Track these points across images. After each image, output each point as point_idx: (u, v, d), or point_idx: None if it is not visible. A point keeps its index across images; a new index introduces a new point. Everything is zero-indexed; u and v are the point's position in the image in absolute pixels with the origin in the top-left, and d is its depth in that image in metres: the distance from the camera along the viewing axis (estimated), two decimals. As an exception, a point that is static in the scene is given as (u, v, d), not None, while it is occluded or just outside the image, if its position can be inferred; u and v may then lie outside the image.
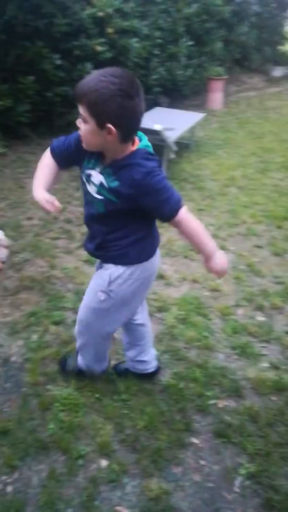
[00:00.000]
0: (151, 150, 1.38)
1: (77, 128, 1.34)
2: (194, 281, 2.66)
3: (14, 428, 1.67)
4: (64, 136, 1.48)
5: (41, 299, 2.41)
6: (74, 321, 2.22)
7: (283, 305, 2.47)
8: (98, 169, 1.37)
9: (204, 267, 1.51)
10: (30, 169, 4.22)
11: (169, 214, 1.37)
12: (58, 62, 4.55)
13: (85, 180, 1.43)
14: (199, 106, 7.13)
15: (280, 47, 10.35)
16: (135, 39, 5.18)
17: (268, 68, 9.99)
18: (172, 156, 4.21)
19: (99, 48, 4.66)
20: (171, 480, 1.56)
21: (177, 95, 7.17)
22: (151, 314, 2.34)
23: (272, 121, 6.58)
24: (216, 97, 7.13)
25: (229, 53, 8.28)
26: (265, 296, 2.53)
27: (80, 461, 1.59)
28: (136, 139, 1.38)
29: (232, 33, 8.00)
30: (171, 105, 6.63)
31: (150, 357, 1.89)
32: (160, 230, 1.60)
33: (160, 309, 2.38)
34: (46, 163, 1.49)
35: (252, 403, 1.84)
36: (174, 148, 4.11)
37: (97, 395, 1.83)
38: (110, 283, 1.51)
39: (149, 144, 1.40)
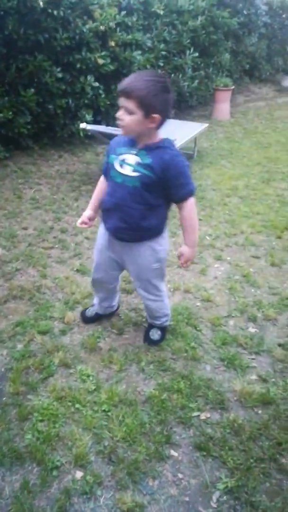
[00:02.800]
0: None
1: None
2: (187, 291, 2.63)
3: (-10, 438, 1.67)
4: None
5: (29, 309, 2.41)
6: (61, 331, 2.25)
7: (277, 316, 2.42)
8: (133, 152, 1.66)
9: (178, 250, 1.87)
10: (29, 180, 4.29)
11: (182, 196, 1.69)
12: (59, 75, 4.62)
13: (118, 165, 1.70)
14: (205, 117, 7.15)
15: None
16: (138, 52, 5.24)
17: (279, 78, 9.98)
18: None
19: (101, 61, 4.72)
20: (147, 493, 1.52)
21: (183, 106, 7.20)
22: (139, 324, 2.33)
23: (280, 131, 6.54)
24: (223, 107, 7.14)
25: (238, 63, 8.31)
26: (259, 307, 2.48)
27: (55, 472, 1.57)
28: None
29: (241, 44, 8.02)
30: (177, 116, 6.66)
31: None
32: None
33: (149, 319, 2.36)
34: (99, 187, 1.94)
35: (236, 416, 1.80)
36: (175, 158, 4.11)
37: (77, 406, 1.82)
38: None
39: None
